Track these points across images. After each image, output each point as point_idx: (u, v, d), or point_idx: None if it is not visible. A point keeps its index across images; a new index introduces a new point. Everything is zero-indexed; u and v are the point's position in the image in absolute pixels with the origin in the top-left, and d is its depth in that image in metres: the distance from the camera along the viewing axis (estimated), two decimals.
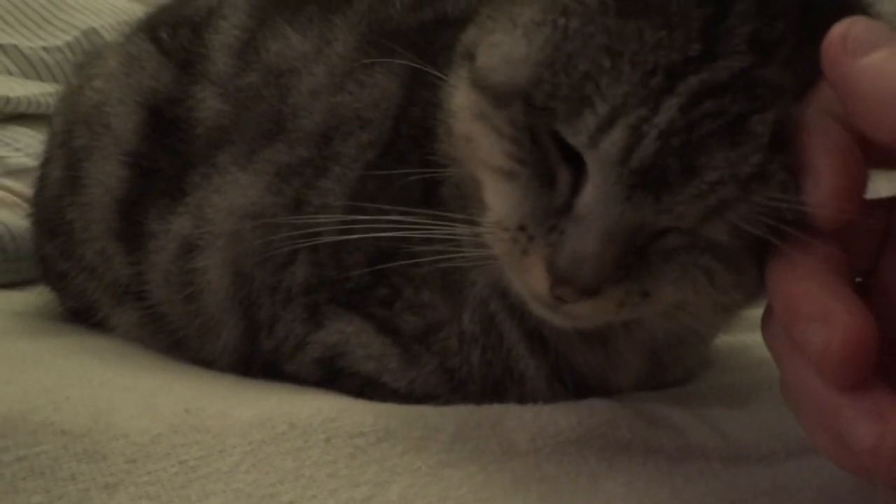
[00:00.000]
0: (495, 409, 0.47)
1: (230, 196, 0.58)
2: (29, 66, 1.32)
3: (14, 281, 0.90)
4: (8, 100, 1.21)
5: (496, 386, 0.51)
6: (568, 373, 0.50)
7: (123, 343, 0.66)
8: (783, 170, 0.35)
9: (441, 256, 0.45)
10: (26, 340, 0.64)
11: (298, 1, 0.62)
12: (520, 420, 0.45)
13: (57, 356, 0.58)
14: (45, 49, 1.34)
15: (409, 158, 0.51)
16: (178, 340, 0.62)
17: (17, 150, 1.12)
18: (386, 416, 0.45)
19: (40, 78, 1.32)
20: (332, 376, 0.55)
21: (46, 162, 0.74)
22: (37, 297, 0.83)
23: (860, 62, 0.32)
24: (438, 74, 0.46)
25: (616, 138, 0.36)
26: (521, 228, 0.40)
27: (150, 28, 0.69)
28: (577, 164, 0.38)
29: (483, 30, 0.43)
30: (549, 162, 0.39)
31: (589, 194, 0.38)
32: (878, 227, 0.38)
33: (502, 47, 0.41)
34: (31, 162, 1.07)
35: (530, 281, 0.40)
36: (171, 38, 0.66)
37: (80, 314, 0.71)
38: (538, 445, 0.44)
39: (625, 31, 0.36)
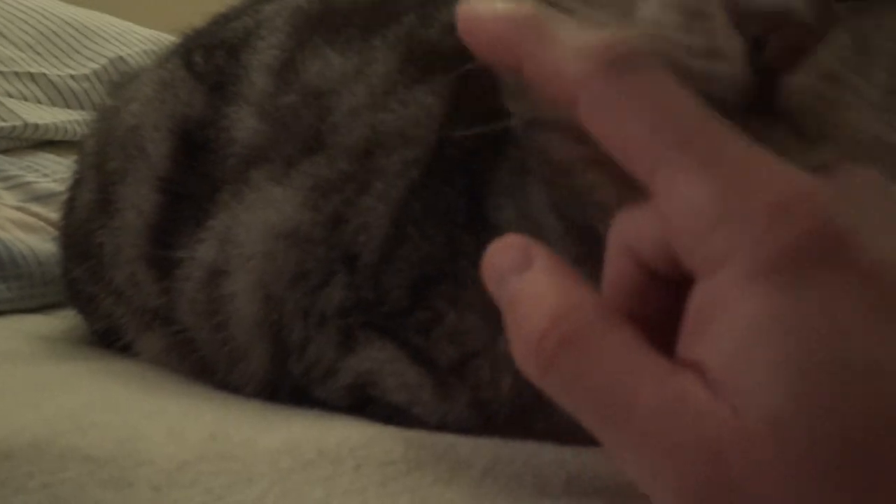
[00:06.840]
0: (530, 445, 0.45)
1: (263, 213, 0.57)
2: (57, 94, 1.34)
3: (39, 305, 0.90)
4: (37, 127, 1.23)
5: (524, 415, 0.49)
6: None
7: (148, 367, 0.65)
8: None
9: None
10: (50, 365, 0.64)
11: (338, 23, 0.62)
12: (557, 456, 0.44)
13: (81, 380, 0.58)
14: (72, 77, 1.36)
15: (453, 179, 0.50)
16: (205, 366, 0.61)
17: (45, 175, 1.14)
18: (417, 445, 0.44)
19: (68, 105, 1.34)
20: (362, 404, 0.53)
21: (77, 184, 0.74)
22: (61, 321, 0.83)
23: None
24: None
25: None
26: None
27: (185, 52, 0.69)
28: None
29: None
30: None
31: None
32: None
33: None
34: (58, 187, 1.08)
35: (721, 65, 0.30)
36: (205, 61, 0.66)
37: (107, 337, 0.70)
38: (573, 489, 0.42)
39: None
